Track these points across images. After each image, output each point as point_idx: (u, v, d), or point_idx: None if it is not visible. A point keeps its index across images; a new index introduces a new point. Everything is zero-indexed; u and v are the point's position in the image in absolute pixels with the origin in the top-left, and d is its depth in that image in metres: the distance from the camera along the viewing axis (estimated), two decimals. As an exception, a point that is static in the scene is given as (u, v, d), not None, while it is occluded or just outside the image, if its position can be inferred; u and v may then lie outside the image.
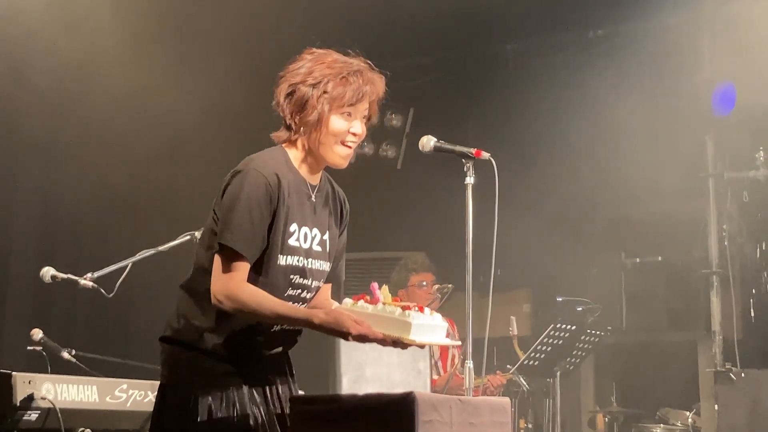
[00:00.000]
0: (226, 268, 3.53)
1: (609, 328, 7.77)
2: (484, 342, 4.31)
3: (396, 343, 3.48)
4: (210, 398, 3.60)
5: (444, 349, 7.72)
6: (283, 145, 3.74)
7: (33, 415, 5.09)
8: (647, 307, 9.17)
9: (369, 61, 3.78)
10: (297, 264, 3.67)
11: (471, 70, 9.48)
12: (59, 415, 5.11)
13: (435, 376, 7.37)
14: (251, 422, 3.64)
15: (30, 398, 5.07)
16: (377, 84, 3.74)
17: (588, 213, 9.62)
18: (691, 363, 8.84)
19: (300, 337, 3.82)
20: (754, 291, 8.36)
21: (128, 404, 5.49)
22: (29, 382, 5.07)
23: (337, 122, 3.65)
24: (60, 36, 7.35)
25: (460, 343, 3.65)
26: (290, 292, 3.69)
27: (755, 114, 8.18)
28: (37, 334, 5.99)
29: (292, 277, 3.66)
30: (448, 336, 3.77)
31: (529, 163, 8.89)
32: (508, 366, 7.37)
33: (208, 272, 3.59)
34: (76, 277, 5.59)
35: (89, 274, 5.59)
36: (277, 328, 3.67)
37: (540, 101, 9.22)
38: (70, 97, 7.74)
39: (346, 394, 4.72)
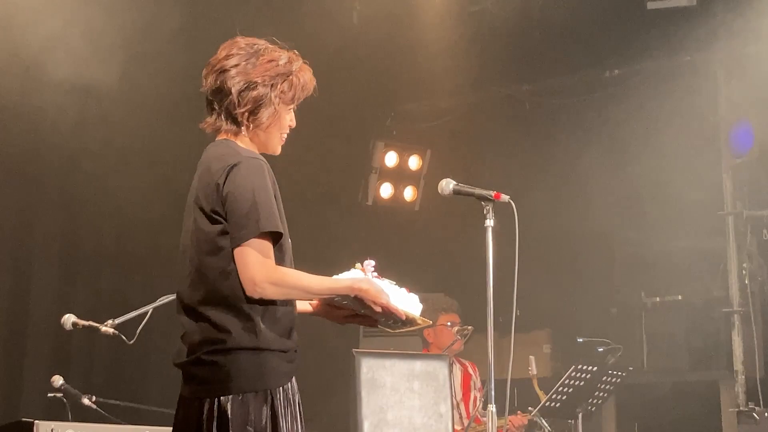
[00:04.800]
0: (262, 255, 3.56)
1: (630, 368, 7.73)
2: (507, 383, 4.30)
3: (405, 322, 3.66)
4: (279, 398, 3.61)
5: (466, 390, 7.72)
6: (228, 137, 3.80)
7: (55, 464, 5.10)
8: (668, 346, 9.11)
9: (296, 52, 3.88)
10: (290, 242, 3.75)
11: (488, 112, 9.50)
12: (82, 462, 5.12)
13: (457, 422, 7.34)
14: (299, 420, 3.68)
15: (52, 446, 5.08)
16: (311, 79, 3.87)
17: (607, 253, 9.60)
18: (714, 403, 8.76)
19: None
20: (776, 329, 8.32)
21: (150, 451, 5.49)
22: (52, 431, 5.07)
23: (284, 117, 3.82)
24: (75, 88, 7.40)
25: (430, 323, 3.80)
26: None
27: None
28: (58, 380, 6.00)
29: (291, 255, 3.75)
30: None
31: (547, 203, 8.88)
32: (530, 408, 7.33)
33: (228, 274, 3.60)
34: (97, 324, 5.58)
35: (110, 321, 5.59)
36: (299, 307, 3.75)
37: (556, 141, 9.24)
38: (87, 143, 7.77)
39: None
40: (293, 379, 3.70)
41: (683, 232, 8.99)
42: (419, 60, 8.65)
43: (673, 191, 8.56)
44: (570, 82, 9.18)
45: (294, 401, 3.67)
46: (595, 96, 9.06)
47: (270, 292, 3.55)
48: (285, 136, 3.86)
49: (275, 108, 3.76)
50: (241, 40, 3.83)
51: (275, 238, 3.60)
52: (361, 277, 3.65)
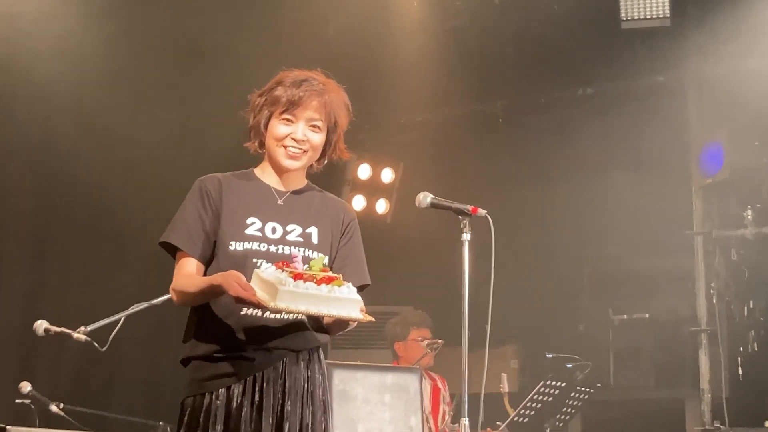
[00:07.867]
0: (177, 266, 3.81)
1: (598, 384, 7.76)
2: (479, 398, 4.31)
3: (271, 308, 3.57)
4: (191, 404, 3.70)
5: (435, 405, 7.72)
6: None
7: (27, 470, 5.07)
8: (635, 364, 9.15)
9: (327, 73, 3.94)
10: (260, 249, 3.76)
11: (461, 127, 9.53)
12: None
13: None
14: (227, 423, 3.66)
15: (24, 452, 5.05)
16: (324, 92, 3.87)
17: (575, 269, 9.64)
18: (679, 421, 8.80)
19: (308, 331, 3.81)
20: (742, 349, 8.36)
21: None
22: (23, 436, 5.05)
23: (276, 127, 3.84)
24: (52, 87, 7.36)
25: (362, 318, 3.62)
26: None
27: (743, 172, 8.25)
28: (26, 387, 5.97)
29: (255, 260, 3.74)
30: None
31: (517, 219, 8.91)
32: (498, 423, 7.35)
33: None
34: (69, 331, 5.54)
35: (82, 328, 5.54)
36: (250, 311, 3.70)
37: (529, 158, 9.27)
38: (59, 143, 7.73)
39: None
40: (247, 385, 3.69)
41: (652, 251, 9.04)
42: (394, 73, 8.67)
43: (642, 210, 8.62)
44: (543, 99, 9.21)
45: (226, 412, 3.66)
46: (567, 114, 9.11)
47: (175, 300, 3.79)
48: (292, 150, 3.84)
49: (261, 114, 3.86)
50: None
51: (196, 250, 3.78)
52: (222, 272, 3.64)
